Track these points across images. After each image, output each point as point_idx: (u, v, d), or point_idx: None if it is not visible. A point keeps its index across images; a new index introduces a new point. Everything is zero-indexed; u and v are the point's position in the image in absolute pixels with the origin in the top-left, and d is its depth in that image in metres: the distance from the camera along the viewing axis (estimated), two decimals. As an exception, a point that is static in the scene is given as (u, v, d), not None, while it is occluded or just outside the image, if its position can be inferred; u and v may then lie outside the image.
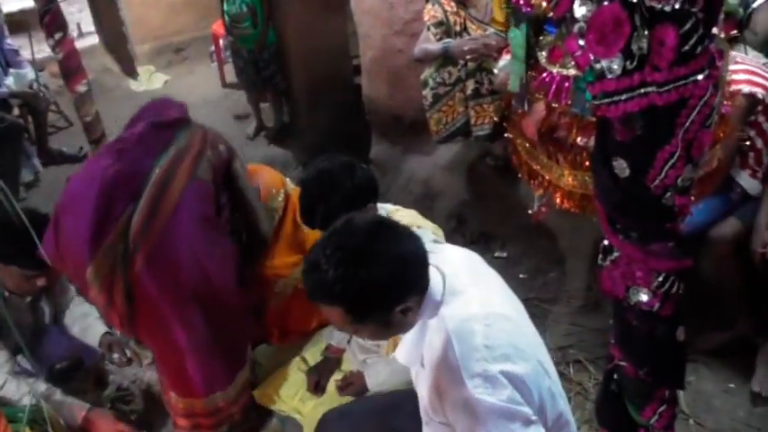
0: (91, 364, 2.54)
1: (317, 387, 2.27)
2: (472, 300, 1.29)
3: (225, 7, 3.95)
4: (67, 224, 1.92)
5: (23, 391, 2.12)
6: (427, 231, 2.00)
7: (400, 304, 1.23)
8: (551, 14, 0.96)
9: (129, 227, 1.86)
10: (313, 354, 2.40)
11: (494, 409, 1.16)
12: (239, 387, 2.18)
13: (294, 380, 2.33)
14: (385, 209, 2.07)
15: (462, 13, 2.98)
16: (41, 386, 2.16)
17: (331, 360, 2.34)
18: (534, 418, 1.18)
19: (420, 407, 1.47)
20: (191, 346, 2.00)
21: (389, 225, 1.30)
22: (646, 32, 0.85)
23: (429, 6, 3.03)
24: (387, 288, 1.21)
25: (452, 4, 2.98)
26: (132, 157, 1.96)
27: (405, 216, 2.05)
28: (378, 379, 2.08)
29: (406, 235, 1.28)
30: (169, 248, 1.90)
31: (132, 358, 2.33)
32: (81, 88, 2.77)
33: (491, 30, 2.92)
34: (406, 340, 1.40)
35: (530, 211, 2.21)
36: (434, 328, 1.29)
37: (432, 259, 1.29)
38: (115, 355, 2.33)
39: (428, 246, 1.31)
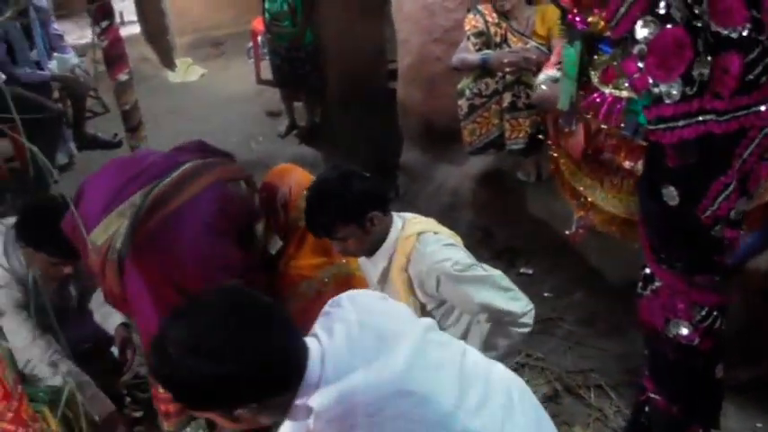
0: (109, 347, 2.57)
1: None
2: (357, 383, 1.06)
3: (266, 5, 3.99)
4: (88, 193, 1.97)
5: (55, 371, 2.16)
6: (443, 237, 1.99)
7: (238, 407, 1.04)
8: (608, 34, 0.93)
9: (143, 202, 1.87)
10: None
11: None
12: None
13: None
14: (402, 217, 2.06)
15: (504, 24, 2.96)
16: (66, 367, 2.19)
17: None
18: None
19: None
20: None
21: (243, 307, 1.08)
22: (709, 59, 0.82)
23: (470, 16, 3.01)
24: (217, 388, 1.02)
25: (494, 14, 2.96)
26: (171, 155, 2.04)
27: (420, 222, 2.04)
28: None
29: (262, 320, 1.07)
30: (169, 233, 1.89)
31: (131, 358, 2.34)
32: (122, 77, 2.81)
33: (532, 43, 2.90)
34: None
35: (567, 232, 2.17)
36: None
37: (318, 325, 1.13)
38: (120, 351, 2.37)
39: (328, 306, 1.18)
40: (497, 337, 1.98)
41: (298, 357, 1.06)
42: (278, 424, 1.11)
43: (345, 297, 1.20)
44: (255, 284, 2.25)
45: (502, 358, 1.98)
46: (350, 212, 1.93)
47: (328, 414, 1.02)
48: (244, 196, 2.11)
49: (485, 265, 1.94)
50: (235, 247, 2.02)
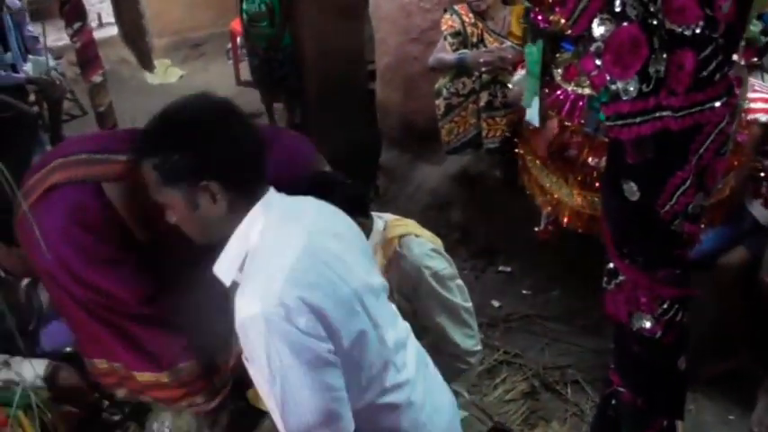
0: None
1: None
2: (296, 233, 1.21)
3: (244, 6, 3.97)
4: None
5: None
6: (426, 241, 1.99)
7: (206, 180, 1.16)
8: (569, 32, 0.94)
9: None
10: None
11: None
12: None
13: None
14: (384, 218, 2.07)
15: (480, 24, 2.98)
16: (30, 373, 2.15)
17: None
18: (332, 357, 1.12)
19: None
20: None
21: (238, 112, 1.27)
22: (664, 56, 0.83)
23: (447, 16, 3.03)
24: (199, 155, 1.17)
25: (471, 15, 2.97)
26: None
27: (403, 225, 2.04)
28: None
29: (249, 126, 1.26)
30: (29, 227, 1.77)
31: None
32: (96, 78, 2.79)
33: (508, 43, 2.92)
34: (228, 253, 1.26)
35: (536, 229, 2.18)
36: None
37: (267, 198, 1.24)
38: None
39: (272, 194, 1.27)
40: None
41: (261, 173, 1.23)
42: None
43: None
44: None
45: None
46: None
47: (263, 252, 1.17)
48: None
49: (460, 282, 1.94)
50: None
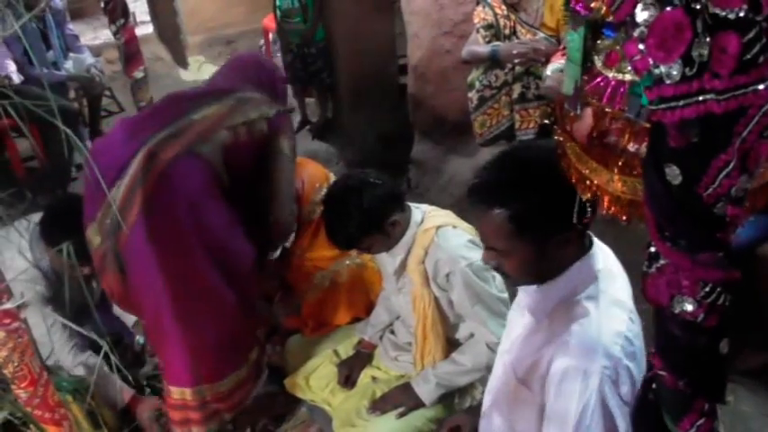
0: (129, 342, 2.63)
1: (347, 380, 2.30)
2: (621, 289, 1.29)
3: (277, 2, 4.03)
4: (87, 188, 1.99)
5: (78, 360, 2.22)
6: (463, 231, 2.01)
7: (561, 233, 1.21)
8: (610, 18, 0.95)
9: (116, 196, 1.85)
10: (345, 347, 2.43)
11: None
12: (231, 385, 2.12)
13: (325, 371, 2.36)
14: (421, 209, 2.09)
15: (512, 16, 2.97)
16: (92, 359, 2.25)
17: (363, 355, 2.37)
18: None
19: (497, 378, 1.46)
20: (176, 328, 1.96)
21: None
22: (707, 39, 0.84)
23: (479, 8, 3.03)
24: (556, 208, 1.19)
25: (503, 7, 2.97)
26: (135, 130, 1.96)
27: (441, 215, 2.06)
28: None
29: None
30: (154, 219, 1.87)
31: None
32: (138, 74, 2.87)
33: (541, 34, 2.91)
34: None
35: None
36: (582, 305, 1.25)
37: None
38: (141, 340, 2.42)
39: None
40: (467, 353, 2.01)
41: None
42: None
43: None
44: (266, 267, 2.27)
45: (458, 376, 2.02)
46: (370, 225, 1.96)
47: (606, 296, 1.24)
48: (222, 145, 1.96)
49: (496, 274, 1.96)
50: (224, 212, 1.97)
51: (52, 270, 2.25)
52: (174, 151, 1.87)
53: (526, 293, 1.39)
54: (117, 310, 2.53)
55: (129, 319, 2.63)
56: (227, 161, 1.97)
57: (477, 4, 3.07)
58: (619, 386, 1.15)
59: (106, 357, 2.30)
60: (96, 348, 2.40)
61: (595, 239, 1.33)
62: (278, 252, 2.56)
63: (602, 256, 1.32)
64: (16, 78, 3.65)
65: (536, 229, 1.21)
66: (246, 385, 2.19)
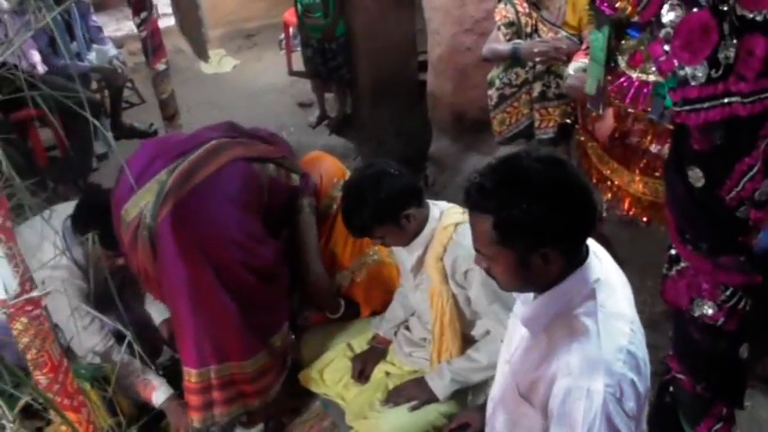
0: (148, 333, 2.65)
1: (361, 375, 2.31)
2: (621, 299, 1.26)
3: (299, -3, 4.04)
4: (122, 176, 2.10)
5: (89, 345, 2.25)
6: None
7: (545, 247, 1.17)
8: (635, 18, 0.95)
9: (167, 178, 1.98)
10: (359, 342, 2.44)
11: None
12: (257, 367, 2.14)
13: (339, 365, 2.37)
14: (439, 206, 2.09)
15: (534, 14, 2.95)
16: (100, 345, 2.28)
17: (377, 350, 2.37)
18: None
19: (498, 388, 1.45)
20: (194, 310, 2.02)
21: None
22: (734, 41, 0.83)
23: (501, 6, 3.00)
24: (542, 221, 1.14)
25: (525, 4, 2.94)
26: (197, 134, 2.17)
27: (460, 212, 2.06)
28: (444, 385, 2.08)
29: (589, 193, 1.20)
30: (195, 203, 1.98)
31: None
32: (160, 66, 2.89)
33: (563, 33, 2.88)
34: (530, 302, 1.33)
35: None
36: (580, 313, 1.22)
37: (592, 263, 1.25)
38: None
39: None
40: (483, 350, 2.01)
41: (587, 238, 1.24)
42: None
43: None
44: (285, 263, 2.31)
45: (473, 372, 2.02)
46: (385, 214, 1.96)
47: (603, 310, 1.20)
48: (269, 176, 2.18)
49: None
50: (256, 219, 2.10)
51: (86, 263, 2.28)
52: (239, 153, 2.07)
53: (523, 303, 1.36)
54: (147, 303, 2.56)
55: (156, 314, 2.63)
56: (270, 187, 2.16)
57: (499, 1, 3.05)
58: (623, 402, 1.12)
59: (130, 346, 2.36)
60: (119, 339, 2.44)
61: (592, 248, 1.28)
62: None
63: (600, 265, 1.27)
64: (40, 69, 3.70)
65: (518, 239, 1.18)
66: (271, 373, 2.20)
